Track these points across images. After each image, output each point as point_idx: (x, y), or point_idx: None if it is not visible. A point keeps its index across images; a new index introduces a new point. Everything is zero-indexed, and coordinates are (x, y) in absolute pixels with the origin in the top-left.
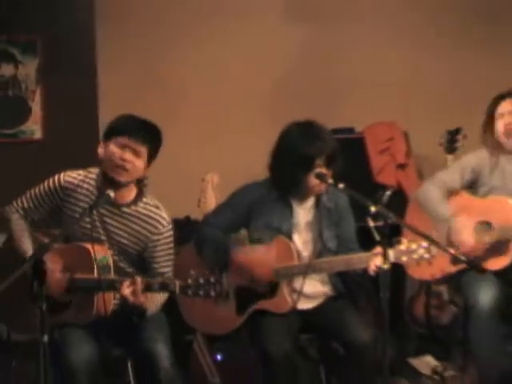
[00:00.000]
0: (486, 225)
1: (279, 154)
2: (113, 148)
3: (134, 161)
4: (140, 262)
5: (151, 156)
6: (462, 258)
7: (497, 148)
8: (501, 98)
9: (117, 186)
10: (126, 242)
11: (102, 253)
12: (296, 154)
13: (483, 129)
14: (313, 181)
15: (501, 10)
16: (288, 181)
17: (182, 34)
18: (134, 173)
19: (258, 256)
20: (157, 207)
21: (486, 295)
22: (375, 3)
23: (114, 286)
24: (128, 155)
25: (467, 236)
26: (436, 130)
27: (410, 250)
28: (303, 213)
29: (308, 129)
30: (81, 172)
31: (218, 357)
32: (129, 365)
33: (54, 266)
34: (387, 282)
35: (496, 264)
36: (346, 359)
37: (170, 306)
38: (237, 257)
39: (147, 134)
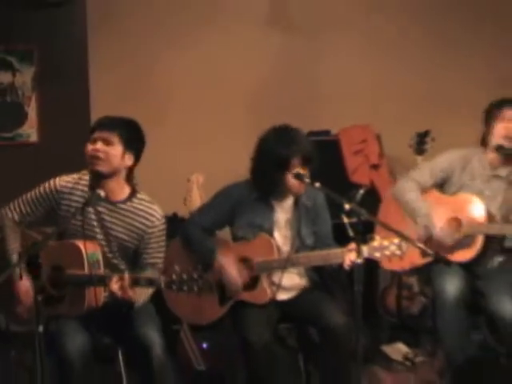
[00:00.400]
0: (455, 221)
1: (258, 157)
2: (88, 145)
3: (107, 149)
4: (134, 256)
5: (128, 142)
6: (430, 252)
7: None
8: (506, 103)
9: (102, 179)
10: (124, 236)
11: (92, 249)
12: (273, 156)
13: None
14: (291, 181)
15: (464, 20)
16: (267, 182)
17: (169, 42)
18: (109, 161)
19: (230, 274)
20: (151, 202)
21: (451, 285)
22: (350, 15)
23: (103, 281)
24: (99, 145)
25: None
26: (406, 133)
27: (383, 247)
28: (283, 211)
29: (284, 133)
30: (75, 176)
31: (204, 345)
32: (119, 353)
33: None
34: (361, 276)
35: (462, 256)
36: (322, 345)
37: (157, 298)
38: (218, 259)
39: (115, 123)
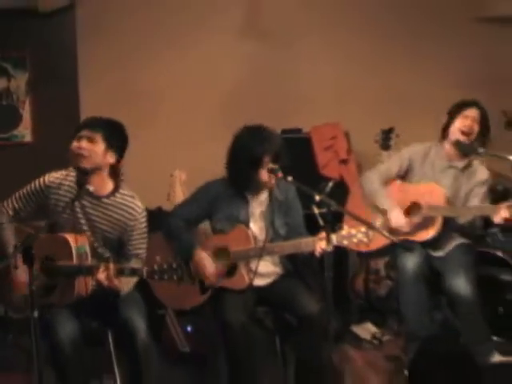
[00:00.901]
0: (415, 205)
1: (233, 155)
2: (73, 143)
3: (90, 147)
4: (118, 246)
5: (110, 142)
6: (395, 239)
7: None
8: (468, 103)
9: (87, 175)
10: (107, 228)
11: (80, 241)
12: (247, 154)
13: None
14: (264, 176)
15: (421, 25)
16: (241, 178)
17: (152, 49)
18: (93, 157)
19: (206, 269)
20: (132, 197)
21: (411, 261)
22: (317, 24)
23: (91, 271)
24: (83, 143)
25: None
26: (372, 130)
27: (351, 235)
28: (258, 205)
29: (257, 132)
30: (63, 172)
31: (189, 328)
32: (109, 336)
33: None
34: (331, 262)
35: (423, 236)
36: (297, 328)
37: (143, 285)
38: (197, 254)
39: (99, 123)
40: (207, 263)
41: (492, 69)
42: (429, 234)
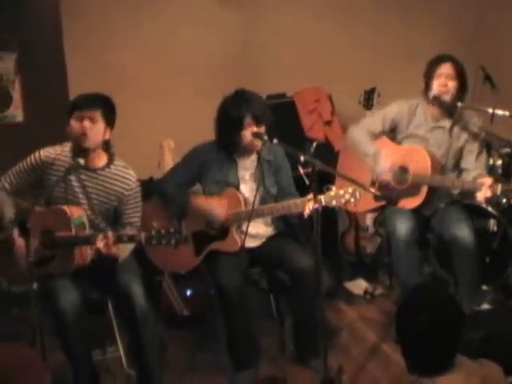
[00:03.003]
0: (403, 170)
1: (218, 119)
2: (73, 123)
3: (92, 127)
4: (114, 217)
5: (108, 119)
6: (379, 194)
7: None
8: (441, 59)
9: (86, 152)
10: (104, 199)
11: (77, 213)
12: (229, 116)
13: (424, 84)
14: (247, 137)
15: None
16: (227, 140)
17: (137, 19)
18: (95, 137)
19: (212, 202)
20: (126, 167)
21: (403, 225)
22: None
23: (89, 241)
24: (86, 123)
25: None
26: (354, 91)
27: (338, 196)
28: (247, 167)
29: (237, 95)
30: (57, 147)
31: (188, 292)
32: (109, 304)
33: (35, 228)
34: (319, 219)
35: (411, 203)
36: (291, 285)
37: (139, 252)
38: (195, 203)
39: (96, 101)
40: (211, 203)
41: (471, 25)
42: (416, 202)
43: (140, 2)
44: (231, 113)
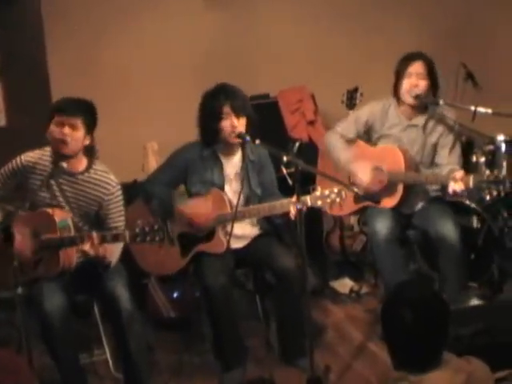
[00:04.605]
0: (378, 170)
1: (199, 113)
2: (53, 127)
3: (73, 134)
4: (97, 220)
5: (88, 126)
6: (361, 193)
7: (398, 103)
8: (411, 58)
9: (65, 158)
10: (83, 204)
11: (62, 216)
12: (207, 108)
13: (394, 83)
14: (227, 128)
15: None
16: (208, 133)
17: (118, 22)
18: (75, 144)
19: (197, 209)
20: (106, 172)
21: (382, 224)
22: None
23: (74, 242)
24: (66, 130)
25: (364, 176)
26: (337, 91)
27: (324, 196)
28: (232, 166)
29: (217, 88)
30: (37, 151)
31: (175, 294)
32: (95, 307)
33: (23, 232)
34: (302, 219)
35: (389, 202)
36: (276, 286)
37: (125, 256)
38: (179, 210)
39: (79, 108)
40: (196, 208)
41: (453, 23)
42: (393, 201)
43: (123, 4)
44: (210, 103)
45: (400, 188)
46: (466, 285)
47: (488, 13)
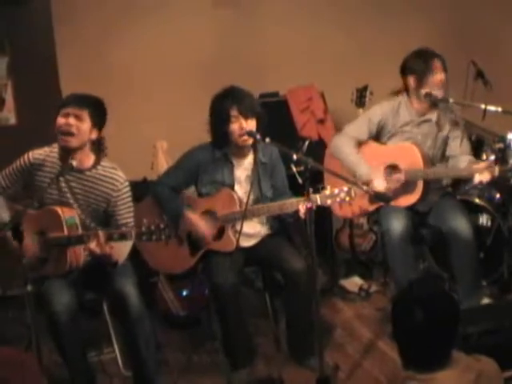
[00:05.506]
0: (394, 168)
1: (210, 117)
2: (59, 119)
3: (79, 124)
4: (105, 217)
5: (95, 120)
6: (371, 191)
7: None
8: (431, 55)
9: (72, 151)
10: (92, 201)
11: (69, 214)
12: (216, 111)
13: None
14: (236, 131)
15: None
16: (218, 135)
17: (128, 24)
18: (81, 136)
19: (201, 220)
20: (114, 168)
21: (398, 223)
22: None
23: (82, 241)
24: (71, 120)
25: (379, 185)
26: (347, 89)
27: (333, 194)
28: (243, 169)
29: (225, 91)
30: (46, 148)
31: (184, 292)
32: (104, 305)
33: (31, 230)
34: (312, 218)
35: (406, 201)
36: (285, 285)
37: (134, 254)
38: (184, 222)
39: (85, 100)
40: (200, 223)
41: (462, 21)
42: (413, 199)
43: (132, 4)
44: (218, 106)
45: (420, 185)
46: (480, 283)
47: (498, 9)
